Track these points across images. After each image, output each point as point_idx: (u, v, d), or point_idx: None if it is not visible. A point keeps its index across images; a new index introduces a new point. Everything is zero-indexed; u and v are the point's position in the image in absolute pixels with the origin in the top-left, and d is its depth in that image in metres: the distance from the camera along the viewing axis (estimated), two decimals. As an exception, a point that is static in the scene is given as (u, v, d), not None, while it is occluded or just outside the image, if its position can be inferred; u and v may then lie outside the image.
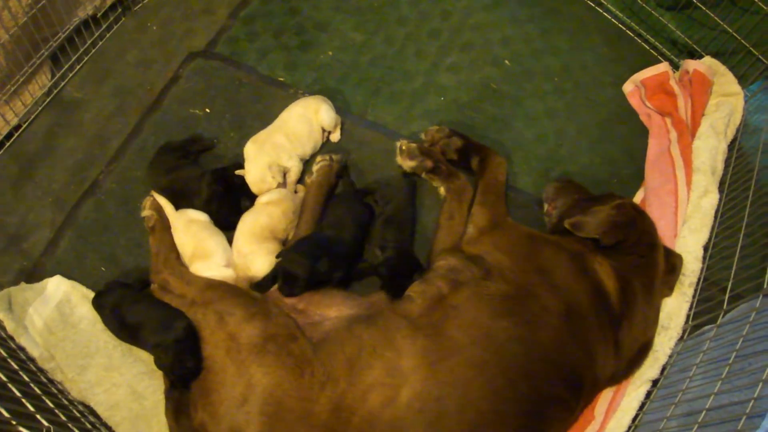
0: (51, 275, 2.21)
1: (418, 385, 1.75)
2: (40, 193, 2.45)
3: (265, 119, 2.53)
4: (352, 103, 2.65)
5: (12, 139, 2.55)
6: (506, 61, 2.80)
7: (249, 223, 2.27)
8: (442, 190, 2.44)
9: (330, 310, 2.05)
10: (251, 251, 2.20)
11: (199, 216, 2.30)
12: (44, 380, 1.94)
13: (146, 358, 2.09)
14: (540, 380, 1.84)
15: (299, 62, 2.82)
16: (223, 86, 2.70)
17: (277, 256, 2.13)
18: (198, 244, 2.22)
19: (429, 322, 1.87)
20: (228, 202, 2.37)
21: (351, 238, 2.20)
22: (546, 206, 2.37)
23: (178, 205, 2.34)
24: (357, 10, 2.97)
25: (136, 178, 2.48)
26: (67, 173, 2.50)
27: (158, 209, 2.35)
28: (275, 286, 2.07)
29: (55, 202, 2.44)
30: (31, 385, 1.79)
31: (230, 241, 2.26)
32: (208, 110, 2.64)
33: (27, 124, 2.59)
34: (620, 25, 2.99)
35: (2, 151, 2.52)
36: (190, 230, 2.25)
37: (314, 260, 2.02)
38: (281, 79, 2.73)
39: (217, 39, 2.89)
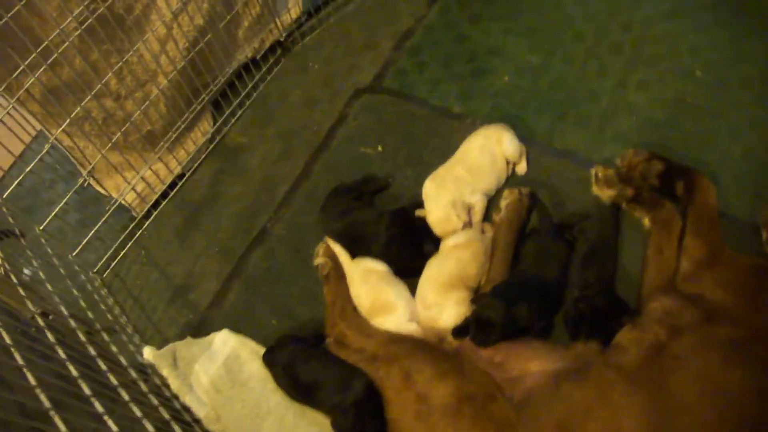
0: (218, 329, 2.10)
1: (642, 452, 1.46)
2: (207, 243, 2.39)
3: (444, 153, 2.32)
4: (536, 130, 2.40)
5: (176, 188, 2.55)
6: (698, 72, 2.47)
7: (435, 270, 2.03)
8: (646, 222, 2.11)
9: (531, 363, 1.77)
10: (438, 302, 1.96)
11: (378, 266, 2.08)
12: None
13: (322, 420, 1.88)
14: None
15: (473, 91, 2.61)
16: (395, 121, 2.54)
17: (472, 302, 1.91)
18: (377, 297, 2.00)
19: (648, 375, 1.61)
20: (409, 246, 2.13)
21: (553, 280, 1.94)
22: (765, 233, 2.01)
23: (354, 252, 2.14)
24: (530, 31, 2.74)
25: (307, 224, 2.34)
26: (234, 221, 2.42)
27: (332, 257, 2.16)
28: (468, 338, 1.83)
29: (222, 251, 2.36)
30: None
31: (413, 290, 2.05)
32: (380, 148, 2.48)
33: (191, 172, 2.58)
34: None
35: (167, 200, 2.51)
36: (369, 281, 2.04)
37: (511, 304, 1.79)
38: (456, 109, 2.53)
39: (383, 73, 2.75)
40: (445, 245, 2.10)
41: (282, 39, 2.83)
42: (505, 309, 1.78)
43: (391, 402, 1.77)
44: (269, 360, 2.00)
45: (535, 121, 2.46)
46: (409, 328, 1.94)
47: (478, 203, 2.20)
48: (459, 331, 1.88)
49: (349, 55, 2.86)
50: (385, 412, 1.77)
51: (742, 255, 1.89)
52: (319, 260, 2.19)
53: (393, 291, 2.02)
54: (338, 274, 2.12)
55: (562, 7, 2.81)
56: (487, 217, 2.24)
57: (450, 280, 1.99)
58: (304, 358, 1.93)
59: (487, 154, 2.25)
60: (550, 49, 2.68)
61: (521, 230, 2.14)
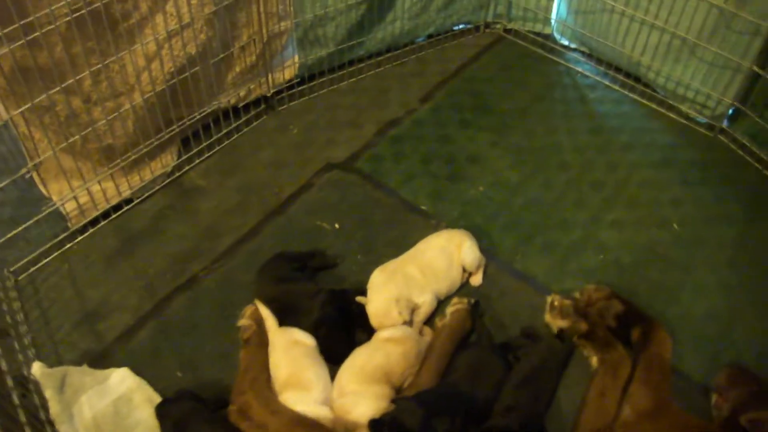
0: (119, 365, 1.97)
1: None
2: (133, 275, 2.27)
3: (399, 247, 2.24)
4: (500, 246, 2.36)
5: (120, 212, 2.45)
6: (675, 225, 2.47)
7: (362, 358, 1.91)
8: (593, 360, 2.03)
9: None
10: (357, 391, 1.83)
11: (306, 339, 1.97)
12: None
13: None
14: None
15: (446, 193, 2.54)
16: (359, 203, 2.49)
17: (393, 401, 1.78)
18: (296, 371, 1.87)
19: None
20: (340, 330, 2.02)
21: (483, 398, 1.83)
22: (715, 397, 1.93)
23: (282, 322, 2.02)
24: (516, 149, 2.72)
25: (241, 282, 2.22)
26: (168, 261, 2.31)
27: (259, 321, 2.03)
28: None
29: (147, 287, 2.24)
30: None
31: (332, 377, 1.92)
32: (337, 225, 2.42)
33: (139, 200, 2.48)
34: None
35: (107, 221, 2.41)
36: (291, 353, 1.91)
37: (432, 414, 1.67)
38: (424, 207, 2.48)
39: (359, 154, 2.69)
40: (379, 336, 1.99)
41: (269, 95, 2.79)
42: (424, 418, 1.66)
43: None
44: (161, 412, 1.84)
45: (500, 237, 2.41)
46: (320, 412, 1.81)
47: (426, 304, 2.11)
48: (376, 424, 1.71)
49: (331, 129, 2.81)
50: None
51: (690, 414, 1.84)
52: (243, 321, 2.05)
53: (314, 369, 1.89)
54: (260, 340, 2.00)
55: (554, 135, 2.81)
56: (429, 320, 2.13)
57: (374, 372, 1.87)
58: (198, 420, 1.79)
59: (445, 257, 2.17)
60: (532, 170, 2.66)
61: (462, 340, 2.04)
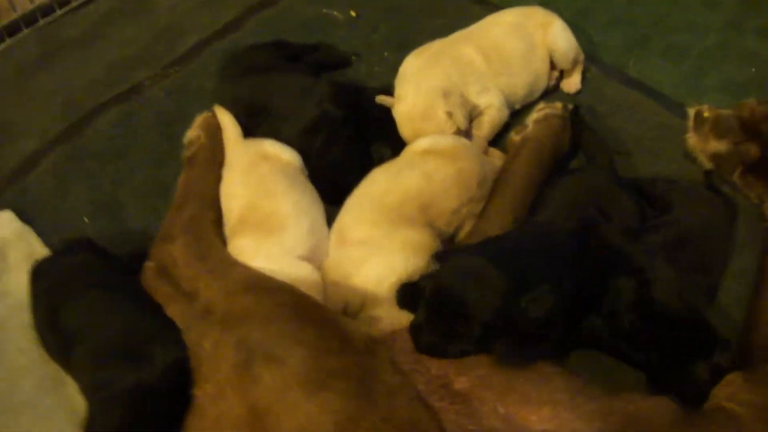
0: (8, 201, 1.37)
1: None
2: (52, 89, 1.65)
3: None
4: (602, 47, 1.67)
5: (50, 17, 1.82)
6: None
7: (380, 185, 1.13)
8: None
9: (534, 411, 0.90)
10: (368, 239, 1.06)
11: (283, 153, 1.19)
12: None
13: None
14: None
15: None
16: None
17: (436, 257, 1.00)
18: (259, 202, 1.10)
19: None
20: (346, 141, 1.22)
21: (602, 253, 1.04)
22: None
23: (253, 132, 1.25)
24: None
25: (201, 91, 1.53)
26: (103, 70, 1.68)
27: (212, 132, 1.27)
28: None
29: (66, 104, 1.61)
30: None
31: (331, 221, 1.17)
32: (353, 13, 1.71)
33: (80, 3, 1.85)
34: None
35: (31, 29, 1.79)
36: (255, 173, 1.14)
37: (516, 281, 0.90)
38: (484, -9, 1.74)
39: None
40: (414, 147, 1.19)
41: None
42: (504, 289, 0.89)
43: (203, 410, 0.89)
44: (37, 270, 1.16)
45: (601, 36, 1.70)
46: (299, 270, 1.03)
47: (493, 109, 1.30)
48: (407, 293, 0.97)
49: None
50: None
51: None
52: (190, 133, 1.30)
53: (291, 198, 1.11)
54: (210, 157, 1.23)
55: None
56: (497, 140, 1.34)
57: (402, 205, 1.09)
58: (85, 284, 1.08)
59: (521, 39, 1.37)
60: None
61: (552, 165, 1.24)
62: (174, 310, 1.02)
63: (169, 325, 1.00)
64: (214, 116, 1.31)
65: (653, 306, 1.01)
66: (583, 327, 1.04)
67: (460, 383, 0.94)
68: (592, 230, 1.05)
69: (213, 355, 0.91)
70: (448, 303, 0.91)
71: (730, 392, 0.96)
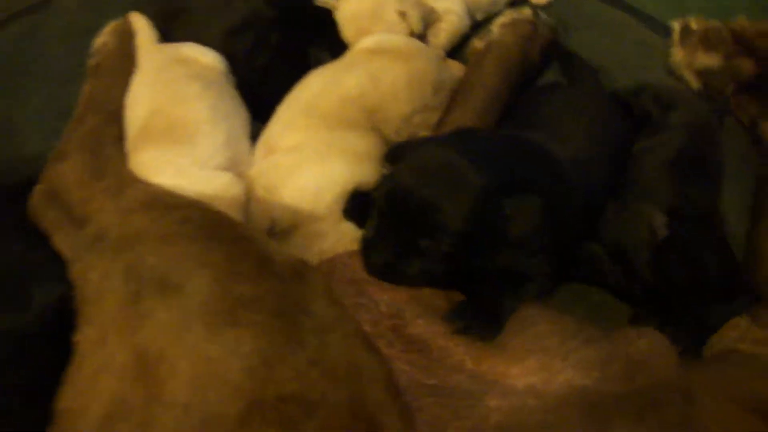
0: None
1: None
2: None
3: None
4: None
5: None
6: None
7: (316, 84, 0.93)
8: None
9: (515, 361, 0.71)
10: (299, 144, 0.86)
11: (202, 56, 0.98)
12: None
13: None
14: None
15: None
16: None
17: (388, 155, 0.80)
18: (168, 107, 0.89)
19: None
20: (280, 46, 1.03)
21: (594, 170, 0.86)
22: None
23: (171, 38, 1.03)
24: None
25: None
26: None
27: (121, 38, 1.06)
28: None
29: None
30: None
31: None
32: None
33: None
34: None
35: None
36: (165, 77, 0.93)
37: (494, 178, 0.71)
38: None
39: None
40: (357, 48, 1.01)
41: None
42: (481, 188, 0.71)
43: (82, 360, 0.68)
44: None
45: None
46: (212, 183, 0.83)
47: (452, 15, 1.11)
48: (356, 207, 0.81)
49: None
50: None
51: None
52: (98, 41, 1.09)
53: (205, 103, 0.89)
54: (117, 65, 1.02)
55: None
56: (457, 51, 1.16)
57: (341, 109, 0.90)
58: None
59: None
60: None
61: (520, 76, 1.05)
62: (61, 240, 0.81)
63: (53, 259, 0.80)
64: (128, 22, 1.10)
65: (684, 246, 0.84)
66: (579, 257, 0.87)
67: (417, 326, 0.73)
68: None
69: (99, 290, 0.71)
70: (407, 208, 0.71)
71: (738, 335, 0.81)
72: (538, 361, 0.72)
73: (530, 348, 0.73)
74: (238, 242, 0.70)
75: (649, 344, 0.72)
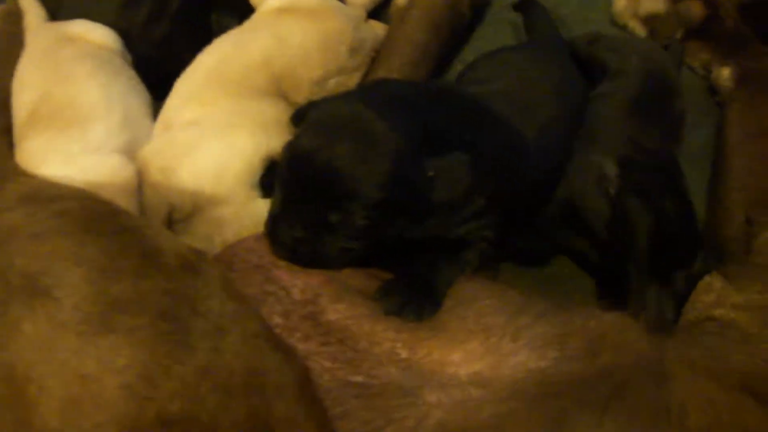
0: None
1: None
2: None
3: None
4: None
5: None
6: None
7: (218, 52, 0.84)
8: (723, 75, 1.02)
9: (455, 345, 0.61)
10: (198, 118, 0.76)
11: (92, 33, 0.88)
12: None
13: None
14: None
15: None
16: None
17: (294, 116, 0.69)
18: (56, 90, 0.79)
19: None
20: (178, 14, 0.93)
21: (552, 127, 0.78)
22: None
23: (64, 14, 0.93)
24: None
25: None
26: None
27: (9, 19, 0.97)
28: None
29: None
30: None
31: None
32: None
33: None
34: None
35: None
36: (53, 58, 0.84)
37: (412, 136, 0.61)
38: None
39: None
40: (263, 8, 0.91)
41: None
42: (398, 148, 0.61)
43: None
44: None
45: None
46: (101, 168, 0.74)
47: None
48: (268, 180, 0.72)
49: None
50: None
51: None
52: None
53: (96, 83, 0.81)
54: (3, 49, 0.92)
55: None
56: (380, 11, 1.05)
57: (245, 76, 0.81)
58: None
59: None
60: None
61: (451, 33, 0.97)
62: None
63: None
64: (17, 3, 1.00)
65: (640, 197, 0.76)
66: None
67: (337, 311, 0.63)
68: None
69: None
70: (311, 175, 0.61)
71: (714, 299, 0.72)
72: (483, 344, 0.63)
73: (472, 328, 0.64)
74: (120, 235, 0.60)
75: (612, 316, 0.64)
